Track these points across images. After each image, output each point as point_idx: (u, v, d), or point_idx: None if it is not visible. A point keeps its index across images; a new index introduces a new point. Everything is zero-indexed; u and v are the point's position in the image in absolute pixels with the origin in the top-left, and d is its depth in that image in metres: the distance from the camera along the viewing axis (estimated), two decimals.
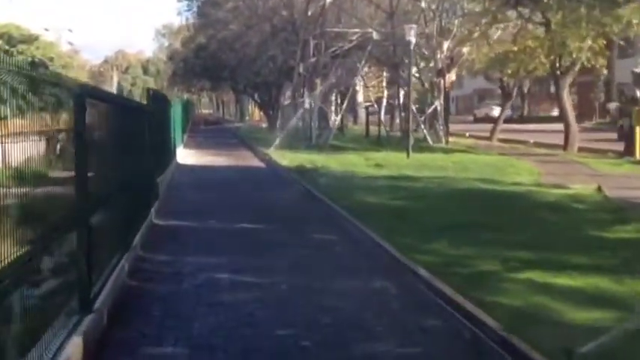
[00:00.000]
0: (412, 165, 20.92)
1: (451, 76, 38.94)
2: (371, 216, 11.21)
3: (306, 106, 35.12)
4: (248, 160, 25.87)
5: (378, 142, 31.52)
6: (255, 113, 79.39)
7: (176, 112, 26.30)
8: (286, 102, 48.13)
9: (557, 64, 29.03)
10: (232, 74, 44.62)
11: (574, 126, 28.67)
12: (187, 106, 42.35)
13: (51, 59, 67.49)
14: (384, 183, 16.40)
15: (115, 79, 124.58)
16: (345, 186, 15.56)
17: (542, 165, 20.64)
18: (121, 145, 8.56)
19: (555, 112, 63.94)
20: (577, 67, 29.11)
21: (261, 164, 23.90)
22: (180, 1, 39.29)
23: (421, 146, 28.16)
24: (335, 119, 32.25)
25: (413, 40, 23.73)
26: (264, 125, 58.80)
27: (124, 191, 8.22)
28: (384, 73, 43.15)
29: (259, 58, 36.60)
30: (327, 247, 9.65)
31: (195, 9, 40.35)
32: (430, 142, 31.15)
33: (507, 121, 45.32)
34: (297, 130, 35.03)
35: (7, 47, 63.51)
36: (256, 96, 48.94)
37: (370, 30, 31.45)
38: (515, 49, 33.49)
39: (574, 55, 27.88)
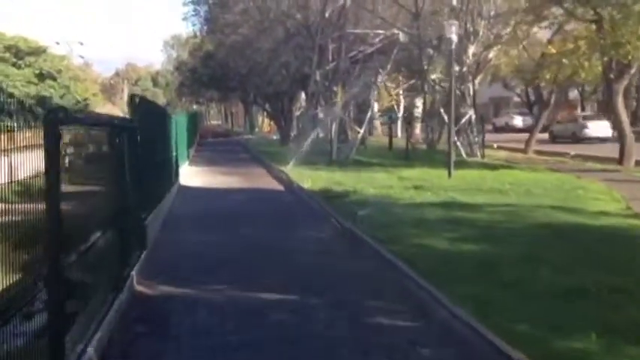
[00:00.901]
0: (458, 187, 17.50)
1: (476, 83, 35.44)
2: (448, 276, 7.80)
3: (321, 116, 31.82)
4: (263, 180, 22.47)
5: (406, 157, 28.09)
6: (265, 124, 76.19)
7: (179, 126, 23.04)
8: (297, 112, 44.90)
9: (611, 67, 25.50)
10: (242, 84, 41.37)
11: (630, 137, 25.16)
12: (194, 119, 39.17)
13: (59, 71, 66.87)
14: (437, 214, 12.99)
15: (126, 91, 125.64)
16: (390, 220, 12.14)
17: (615, 185, 17.18)
18: (80, 180, 5.24)
19: None
20: (633, 70, 25.68)
21: (279, 186, 20.46)
22: (186, 5, 35.85)
23: (455, 160, 24.68)
24: (357, 131, 28.81)
25: (455, 38, 20.37)
26: (275, 137, 55.59)
27: (83, 255, 4.92)
28: (400, 79, 39.79)
29: (271, 66, 33.25)
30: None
31: (202, 13, 37.11)
32: (464, 155, 27.72)
33: (526, 130, 41.87)
34: (314, 143, 31.74)
35: (14, 60, 61.87)
36: (267, 106, 45.56)
37: (396, 31, 28.10)
38: (554, 51, 30.17)
39: (630, 57, 24.39)
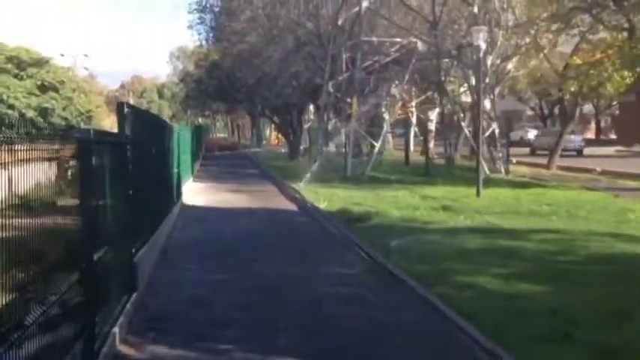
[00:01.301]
0: (491, 208, 15.75)
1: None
2: (523, 335, 6.03)
3: (333, 128, 30.20)
4: (274, 199, 20.69)
5: (426, 173, 26.33)
6: (272, 137, 74.56)
7: (182, 139, 21.40)
8: (306, 124, 43.27)
9: None
10: (249, 95, 39.74)
11: None
12: (199, 132, 37.58)
13: (62, 83, 66.43)
14: (477, 242, 11.24)
15: (132, 104, 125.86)
16: (426, 251, 10.39)
17: None
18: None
19: (589, 135, 58.92)
20: None
21: (292, 206, 18.67)
22: (191, 13, 34.25)
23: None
24: (372, 145, 27.12)
25: (483, 45, 18.67)
26: (283, 150, 53.94)
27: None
28: (413, 91, 38.04)
29: (280, 76, 31.62)
30: None
31: (208, 22, 35.48)
32: (487, 171, 25.97)
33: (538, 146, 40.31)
34: (326, 158, 30.09)
35: (16, 71, 61.34)
36: (275, 119, 43.88)
37: (414, 39, 26.47)
38: (579, 61, 28.50)
39: None
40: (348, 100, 29.01)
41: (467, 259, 9.86)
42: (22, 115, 52.38)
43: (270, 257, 10.38)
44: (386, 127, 27.30)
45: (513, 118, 70.64)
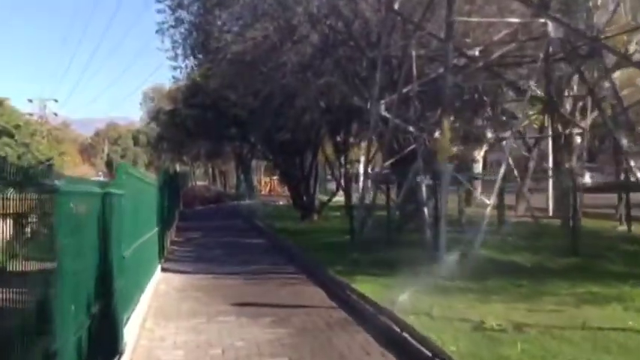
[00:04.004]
0: None
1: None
2: None
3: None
4: (340, 341, 9.01)
5: (574, 251, 14.86)
6: (263, 184, 62.75)
7: (143, 202, 10.01)
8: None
9: None
10: (242, 129, 28.29)
11: None
12: (172, 183, 25.95)
13: (17, 127, 58.54)
14: None
15: (106, 151, 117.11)
16: None
17: None
18: None
19: None
20: None
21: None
22: (161, 13, 22.82)
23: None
24: (485, 203, 15.39)
25: None
26: (281, 203, 42.27)
27: None
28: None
29: (302, 93, 20.06)
30: None
31: (186, 21, 23.81)
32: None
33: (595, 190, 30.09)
34: (376, 223, 18.83)
35: None
36: (277, 160, 32.08)
37: (542, 20, 15.19)
38: None
39: None
40: (412, 128, 17.72)
41: None
42: None
43: None
44: (502, 171, 15.60)
45: None
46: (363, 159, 33.00)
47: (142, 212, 11.18)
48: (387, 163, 19.02)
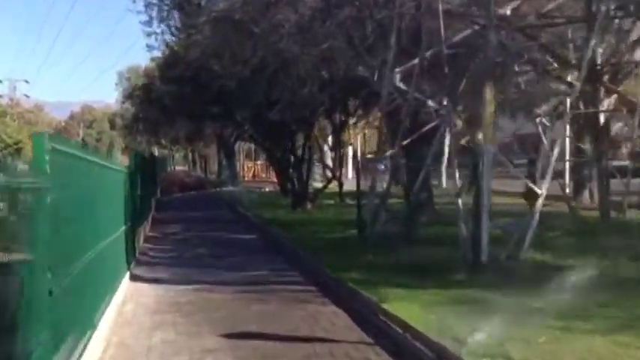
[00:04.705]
0: None
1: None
2: None
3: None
4: None
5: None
6: (246, 169, 59.21)
7: (101, 195, 6.78)
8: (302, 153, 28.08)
9: None
10: (227, 105, 24.91)
11: None
12: (148, 168, 22.39)
13: None
14: None
15: (81, 135, 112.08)
16: None
17: None
18: None
19: None
20: None
21: None
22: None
23: None
24: (535, 192, 12.17)
25: None
26: (267, 189, 39.00)
27: None
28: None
29: (301, 61, 16.69)
30: None
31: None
32: None
33: None
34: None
35: None
36: (266, 145, 28.74)
37: None
38: None
39: None
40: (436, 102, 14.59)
41: None
42: None
43: None
44: (555, 152, 12.49)
45: (526, 142, 56.95)
46: (359, 140, 29.75)
47: (99, 210, 7.91)
48: (404, 143, 15.80)
